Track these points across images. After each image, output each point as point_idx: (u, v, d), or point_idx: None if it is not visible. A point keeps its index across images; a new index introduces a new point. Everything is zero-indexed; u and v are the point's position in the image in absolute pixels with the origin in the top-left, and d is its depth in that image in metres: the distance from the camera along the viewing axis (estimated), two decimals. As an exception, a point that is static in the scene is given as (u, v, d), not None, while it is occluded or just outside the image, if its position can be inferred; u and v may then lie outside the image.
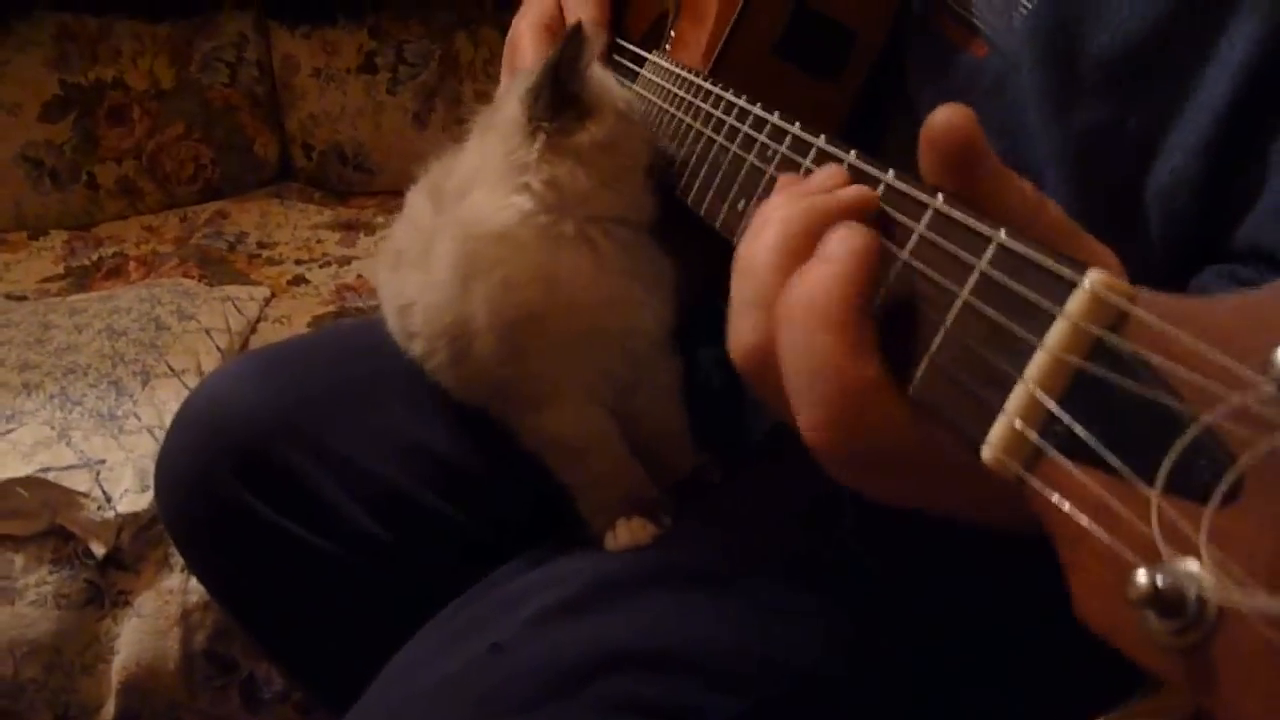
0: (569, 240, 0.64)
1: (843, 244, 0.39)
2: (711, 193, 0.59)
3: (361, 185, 1.85)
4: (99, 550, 1.03)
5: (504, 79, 0.96)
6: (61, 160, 1.72)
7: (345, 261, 1.62)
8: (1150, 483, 0.26)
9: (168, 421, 1.11)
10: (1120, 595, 0.26)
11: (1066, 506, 0.29)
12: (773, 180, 0.51)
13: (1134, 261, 0.59)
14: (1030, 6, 0.60)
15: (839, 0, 0.71)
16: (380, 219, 1.75)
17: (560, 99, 0.65)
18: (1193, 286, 0.57)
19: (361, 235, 1.71)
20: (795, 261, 0.40)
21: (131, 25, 1.73)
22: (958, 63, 0.66)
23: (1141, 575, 0.25)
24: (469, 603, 0.71)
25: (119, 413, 1.12)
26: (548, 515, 0.76)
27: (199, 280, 1.52)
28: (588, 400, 0.69)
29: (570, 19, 0.94)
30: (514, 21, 0.98)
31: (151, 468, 1.05)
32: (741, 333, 0.42)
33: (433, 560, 0.79)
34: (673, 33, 0.88)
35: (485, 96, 1.86)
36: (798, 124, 0.52)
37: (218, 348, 1.28)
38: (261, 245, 1.67)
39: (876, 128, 0.71)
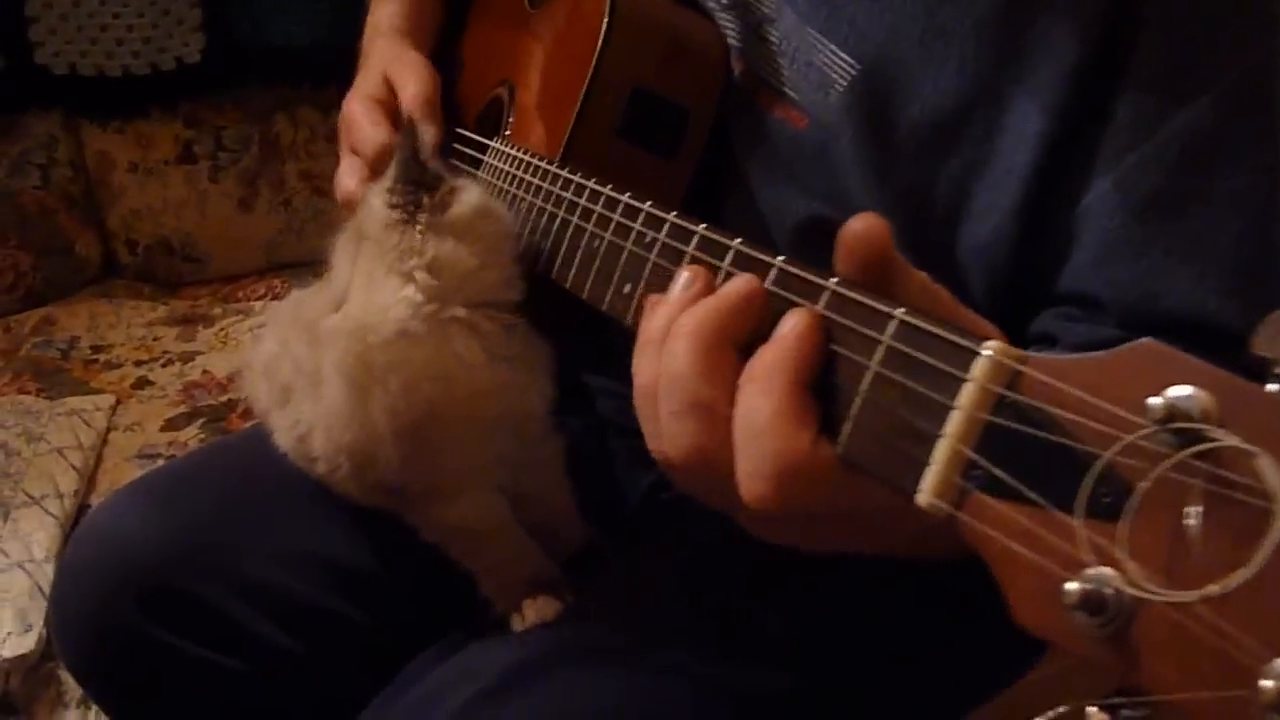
0: (458, 329, 0.66)
1: (788, 326, 0.44)
2: (593, 278, 0.62)
3: (192, 275, 1.81)
4: (-13, 695, 0.99)
5: (343, 157, 0.96)
6: None
7: (188, 358, 1.59)
8: (1069, 511, 0.32)
9: (37, 554, 1.09)
10: (1052, 601, 0.33)
11: (997, 535, 0.35)
12: (657, 267, 0.55)
13: None
14: (845, 84, 0.67)
15: (671, 81, 0.76)
16: (217, 309, 1.72)
17: (425, 182, 0.68)
18: (1035, 328, 0.65)
19: (200, 328, 1.68)
20: (721, 361, 0.45)
21: (-68, 133, 1.66)
22: (781, 134, 0.72)
23: (1073, 585, 0.32)
24: (388, 705, 0.72)
25: (-16, 549, 1.08)
26: (452, 605, 0.77)
27: (38, 395, 1.47)
28: (486, 487, 0.72)
29: (401, 93, 0.95)
30: (345, 101, 0.98)
31: (30, 606, 1.03)
32: (679, 437, 0.46)
33: (344, 665, 0.80)
34: (511, 119, 0.91)
35: (309, 175, 1.89)
36: (674, 213, 0.56)
37: (73, 467, 1.25)
38: (96, 349, 1.62)
39: (714, 200, 0.76)
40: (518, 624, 0.71)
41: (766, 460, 0.42)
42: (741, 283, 0.47)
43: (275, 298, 1.76)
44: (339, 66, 1.85)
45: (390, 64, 0.94)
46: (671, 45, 0.76)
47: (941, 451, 0.37)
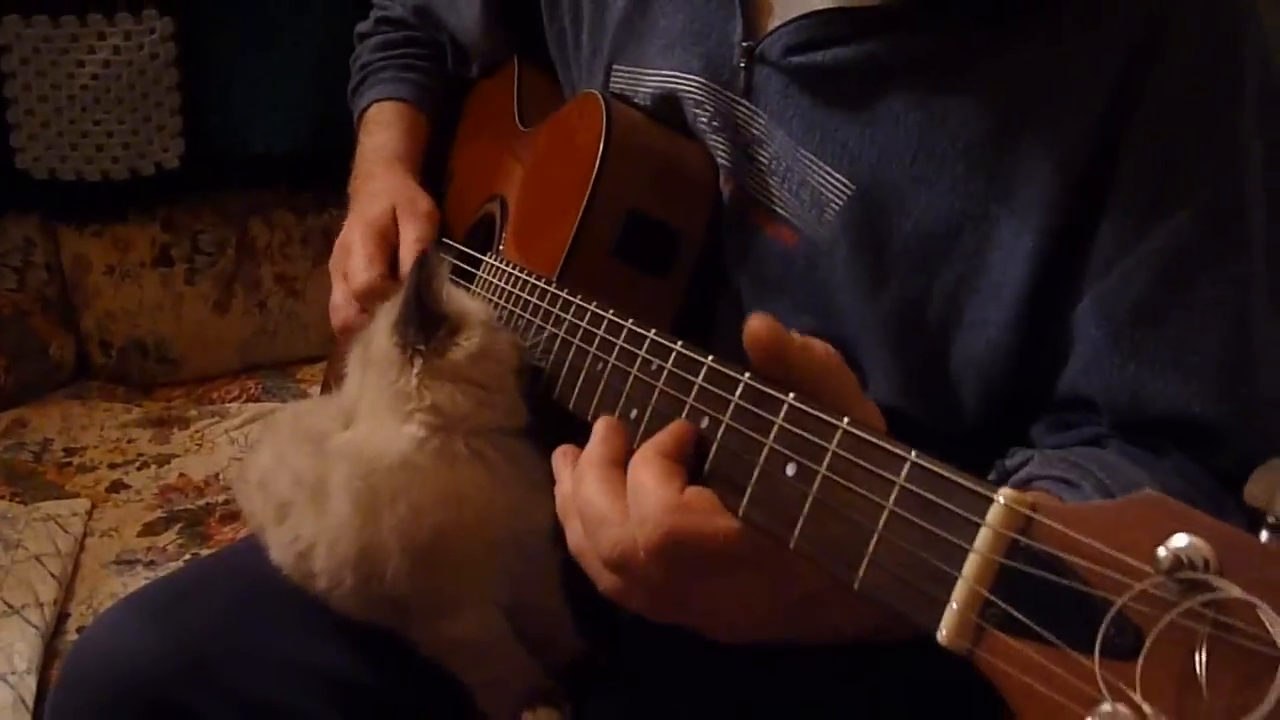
0: (463, 458, 0.69)
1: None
2: (596, 402, 0.64)
3: (166, 376, 1.81)
4: (-30, 816, 0.97)
5: (335, 283, 0.99)
6: None
7: (163, 460, 1.58)
8: (1085, 651, 0.35)
9: (19, 665, 1.08)
10: (1069, 737, 0.35)
11: (1014, 672, 0.37)
12: (664, 395, 0.58)
13: (951, 419, 0.71)
14: (842, 204, 0.70)
15: (663, 203, 0.79)
16: (192, 411, 1.72)
17: (428, 322, 0.69)
18: (1033, 434, 0.68)
19: (175, 430, 1.67)
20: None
21: (-94, 238, 1.66)
22: (770, 250, 0.75)
23: (1093, 720, 0.34)
24: None
25: (-35, 663, 1.06)
26: (446, 718, 0.79)
27: (11, 499, 1.45)
28: (487, 601, 0.73)
29: (404, 234, 0.98)
30: (346, 225, 1.02)
31: (14, 719, 1.01)
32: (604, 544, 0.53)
33: None
34: (504, 235, 0.93)
35: (284, 278, 1.90)
36: (680, 342, 0.58)
37: (52, 575, 1.24)
38: (69, 451, 1.61)
39: (706, 316, 0.79)
40: None
41: (651, 508, 0.49)
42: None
43: (249, 399, 1.76)
44: (315, 171, 1.90)
45: (397, 198, 0.98)
46: (664, 169, 0.80)
47: (961, 592, 0.39)
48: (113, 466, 1.57)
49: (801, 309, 0.73)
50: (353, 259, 0.95)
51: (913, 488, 0.43)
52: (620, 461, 0.54)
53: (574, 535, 0.55)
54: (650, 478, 0.51)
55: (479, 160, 1.11)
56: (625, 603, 0.53)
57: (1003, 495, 0.39)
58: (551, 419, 0.70)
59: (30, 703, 1.03)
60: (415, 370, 0.69)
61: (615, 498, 0.52)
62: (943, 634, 0.39)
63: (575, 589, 0.79)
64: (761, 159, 0.74)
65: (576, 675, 0.78)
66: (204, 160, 1.74)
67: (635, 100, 0.83)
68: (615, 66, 0.86)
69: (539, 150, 0.94)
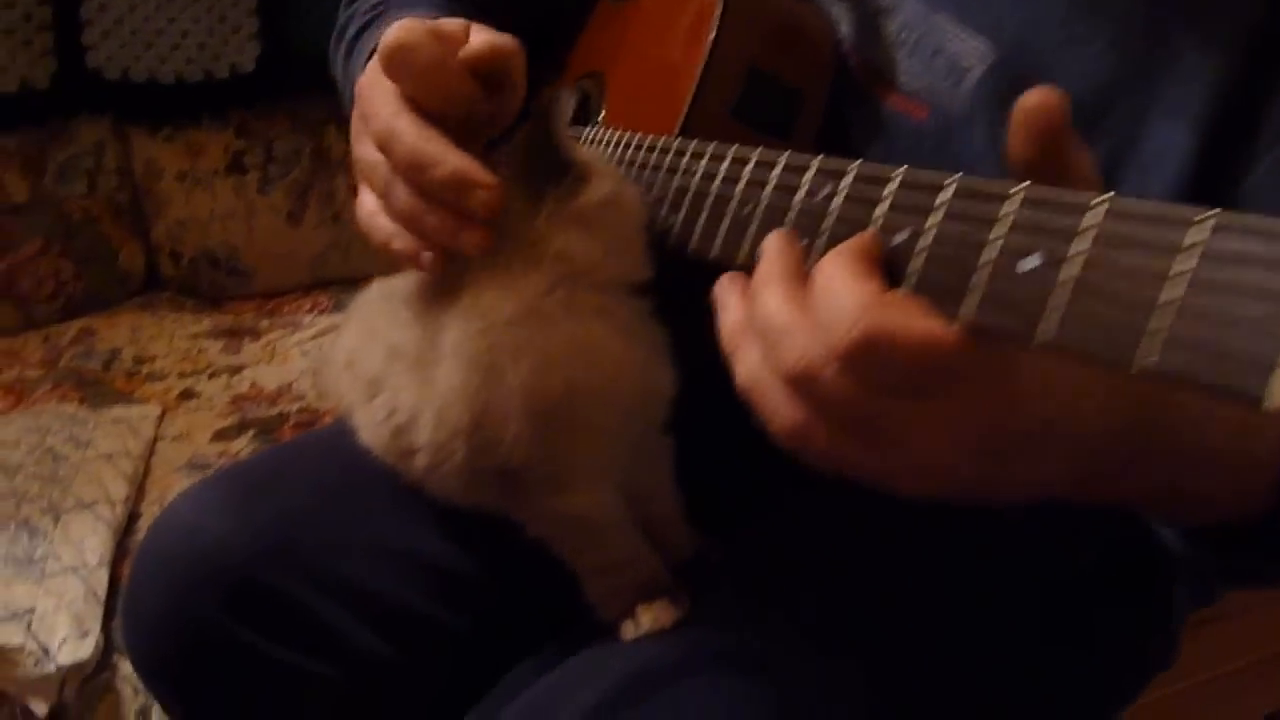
0: (591, 310, 0.62)
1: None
2: (749, 240, 0.56)
3: (236, 289, 1.76)
4: (41, 709, 0.92)
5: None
6: (-95, 287, 1.59)
7: (235, 370, 1.54)
8: None
9: (90, 559, 1.03)
10: None
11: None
12: (840, 219, 0.49)
13: None
14: (982, 71, 0.65)
15: (785, 63, 0.74)
16: (264, 322, 1.67)
17: (557, 164, 0.63)
18: None
19: (246, 341, 1.62)
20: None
21: (-22, 137, 1.62)
22: (899, 126, 0.70)
23: None
24: (489, 715, 0.67)
25: (36, 556, 1.02)
26: (554, 614, 0.73)
27: (80, 404, 1.41)
28: (607, 476, 0.67)
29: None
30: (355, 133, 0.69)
31: (85, 612, 0.96)
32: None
33: (438, 671, 0.75)
34: (604, 108, 0.89)
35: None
36: (858, 160, 0.51)
37: (123, 474, 1.19)
38: (139, 361, 1.57)
39: None
40: (630, 631, 0.66)
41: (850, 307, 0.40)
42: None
43: (321, 313, 1.71)
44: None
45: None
46: (784, 27, 0.75)
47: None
48: (182, 375, 1.53)
49: None
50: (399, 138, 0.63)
51: (1217, 247, 0.34)
52: (801, 275, 0.46)
53: (748, 363, 0.46)
54: (842, 275, 0.42)
55: (581, 52, 1.04)
56: (803, 443, 0.44)
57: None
58: (671, 288, 0.64)
59: (102, 595, 0.98)
60: (542, 215, 0.62)
61: (803, 310, 0.43)
62: (1271, 400, 0.31)
63: (690, 480, 0.75)
64: (889, 30, 0.70)
65: (691, 573, 0.71)
66: (280, 64, 1.68)
67: None
68: None
69: (641, 20, 0.89)
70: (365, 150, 0.62)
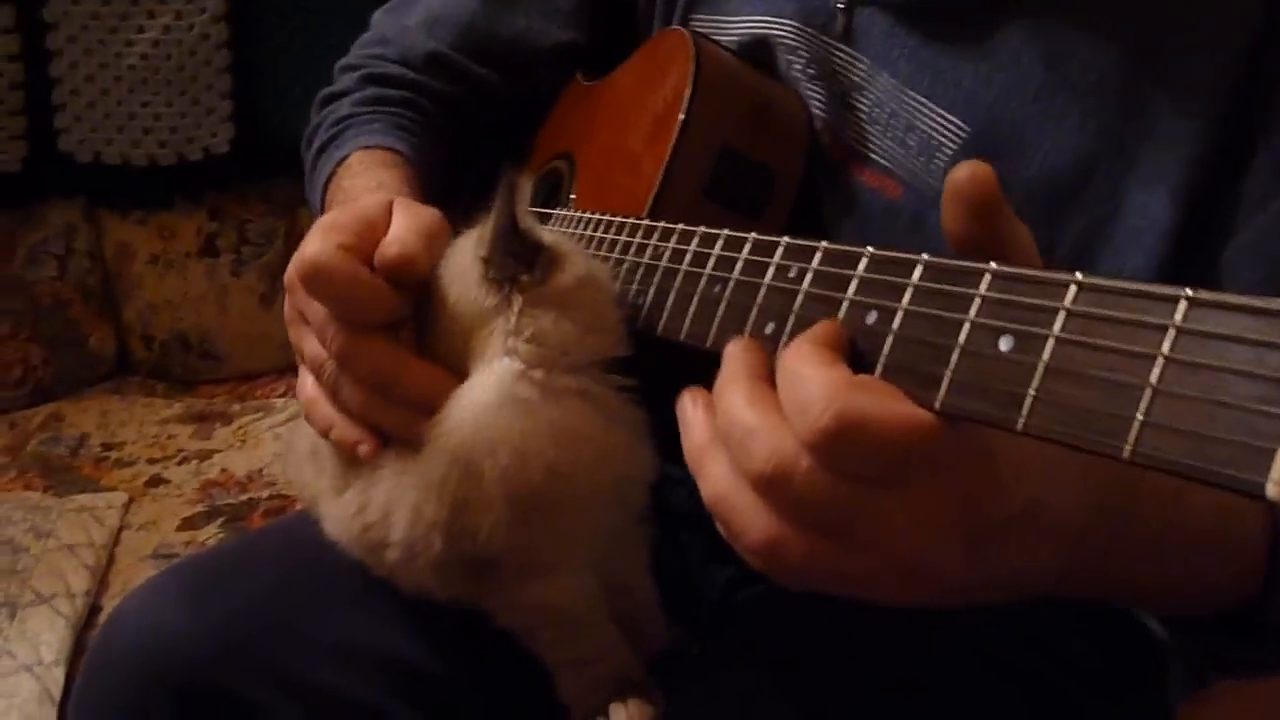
0: (571, 392, 0.60)
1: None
2: (717, 324, 0.55)
3: (209, 373, 1.74)
4: (-13, 817, 0.88)
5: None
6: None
7: (205, 456, 1.51)
8: None
9: (46, 656, 0.99)
10: None
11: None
12: (810, 297, 0.48)
13: None
14: (955, 147, 0.64)
15: (756, 142, 0.73)
16: (235, 407, 1.65)
17: (524, 253, 0.61)
18: None
19: (217, 426, 1.60)
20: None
21: (-55, 222, 1.60)
22: (873, 203, 0.69)
23: None
24: None
25: (-12, 652, 0.98)
26: (517, 713, 0.71)
27: (45, 491, 1.38)
28: (583, 565, 0.65)
29: (397, 220, 0.80)
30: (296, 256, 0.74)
31: (39, 712, 0.92)
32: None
33: None
34: (574, 188, 0.88)
35: (334, 270, 1.81)
36: (823, 241, 0.50)
37: (85, 565, 1.15)
38: (107, 446, 1.54)
39: None
40: None
41: (813, 389, 0.38)
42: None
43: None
44: (369, 160, 1.80)
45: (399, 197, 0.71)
46: (755, 106, 0.75)
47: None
48: (151, 461, 1.50)
49: None
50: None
51: (1194, 327, 0.33)
52: (765, 376, 0.44)
53: (714, 475, 0.43)
54: (808, 363, 0.40)
55: (549, 136, 1.04)
56: (778, 559, 0.41)
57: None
58: (646, 367, 0.62)
59: (57, 695, 0.95)
60: (516, 303, 0.60)
61: (767, 410, 0.41)
62: (1275, 488, 0.29)
63: (664, 573, 0.73)
64: (861, 107, 0.70)
65: (666, 668, 0.69)
66: (253, 146, 1.67)
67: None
68: (693, 17, 0.82)
69: (614, 95, 0.89)
70: (306, 342, 0.62)
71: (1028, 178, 0.62)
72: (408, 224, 0.59)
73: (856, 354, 0.44)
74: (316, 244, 0.57)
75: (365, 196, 0.76)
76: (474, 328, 0.61)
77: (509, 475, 0.58)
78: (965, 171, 0.40)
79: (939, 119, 0.65)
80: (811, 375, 0.39)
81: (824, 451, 0.38)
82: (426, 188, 0.83)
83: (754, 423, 0.41)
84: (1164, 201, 0.58)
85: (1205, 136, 0.57)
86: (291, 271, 0.61)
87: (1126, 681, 0.72)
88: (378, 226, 0.59)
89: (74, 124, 1.62)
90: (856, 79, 0.70)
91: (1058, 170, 0.61)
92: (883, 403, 0.38)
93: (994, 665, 0.68)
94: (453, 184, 0.92)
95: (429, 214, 0.61)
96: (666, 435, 0.65)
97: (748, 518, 0.42)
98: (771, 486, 0.40)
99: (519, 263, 0.61)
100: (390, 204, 0.61)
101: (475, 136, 0.96)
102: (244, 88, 1.65)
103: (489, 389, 0.59)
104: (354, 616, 0.71)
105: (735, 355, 0.46)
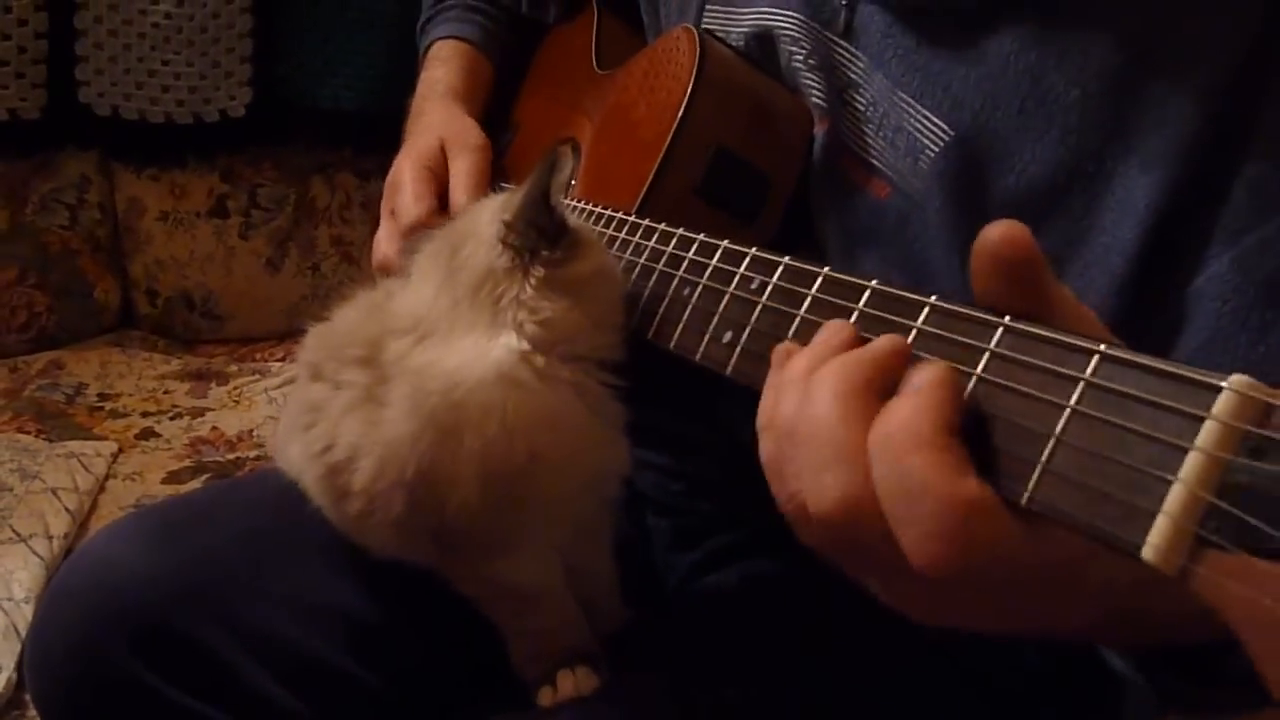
0: (565, 382, 0.61)
1: (925, 376, 0.39)
2: (683, 326, 0.58)
3: (210, 333, 1.76)
4: (-54, 744, 0.90)
5: (384, 219, 0.95)
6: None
7: (198, 413, 1.52)
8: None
9: (17, 593, 1.01)
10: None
11: (1252, 594, 0.28)
12: (766, 310, 0.51)
13: None
14: (938, 149, 0.64)
15: (754, 146, 0.74)
16: (233, 367, 1.66)
17: (549, 229, 0.61)
18: None
19: (213, 385, 1.61)
20: (864, 411, 0.40)
21: (-39, 166, 1.61)
22: (861, 203, 0.70)
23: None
24: None
25: (-39, 586, 0.99)
26: (469, 672, 0.73)
27: (37, 435, 1.39)
28: (549, 546, 0.66)
29: (453, 164, 0.93)
30: (396, 160, 0.97)
31: (3, 647, 0.94)
32: (825, 489, 0.40)
33: None
34: (574, 182, 0.88)
35: (340, 241, 1.85)
36: (787, 256, 0.52)
37: (66, 509, 1.17)
38: (103, 396, 1.55)
39: None
40: (547, 697, 0.66)
41: (938, 517, 0.36)
42: (889, 340, 0.43)
43: (292, 362, 1.70)
44: (383, 134, 1.84)
45: (447, 130, 0.96)
46: (757, 110, 0.75)
47: (1176, 499, 0.30)
48: (145, 414, 1.51)
49: (890, 266, 0.68)
50: (400, 195, 0.92)
51: (1103, 383, 0.34)
52: (872, 395, 0.41)
53: (786, 414, 0.43)
54: (936, 471, 0.37)
55: (548, 108, 1.07)
56: (801, 529, 0.43)
57: (1234, 381, 0.30)
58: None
59: (23, 631, 0.96)
60: (532, 279, 0.61)
61: (858, 432, 0.40)
62: (1150, 549, 0.30)
63: (627, 556, 0.74)
64: (858, 104, 0.70)
65: (616, 645, 0.70)
66: (270, 111, 1.69)
67: (729, 41, 0.79)
68: (709, 6, 0.82)
69: (622, 87, 0.89)
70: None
71: (1006, 187, 0.62)
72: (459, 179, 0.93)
73: None
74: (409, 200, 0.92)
75: (425, 105, 1.03)
76: (485, 286, 0.62)
77: (491, 452, 0.58)
78: (998, 231, 0.39)
79: (925, 121, 0.65)
80: (937, 486, 0.37)
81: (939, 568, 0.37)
82: (496, 61, 1.10)
83: (838, 447, 0.41)
84: (1134, 225, 0.58)
85: (1187, 156, 0.57)
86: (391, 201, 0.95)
87: (1082, 696, 0.72)
88: (439, 176, 0.93)
89: (95, 77, 1.63)
90: (854, 76, 0.70)
91: (1035, 183, 0.61)
92: (999, 529, 0.37)
93: (949, 668, 0.69)
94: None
95: (469, 162, 0.93)
96: (636, 419, 0.67)
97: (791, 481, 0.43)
98: (831, 528, 0.41)
99: (541, 236, 0.61)
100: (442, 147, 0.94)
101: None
102: (263, 53, 1.66)
103: (487, 362, 0.59)
104: (315, 572, 0.73)
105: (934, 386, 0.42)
